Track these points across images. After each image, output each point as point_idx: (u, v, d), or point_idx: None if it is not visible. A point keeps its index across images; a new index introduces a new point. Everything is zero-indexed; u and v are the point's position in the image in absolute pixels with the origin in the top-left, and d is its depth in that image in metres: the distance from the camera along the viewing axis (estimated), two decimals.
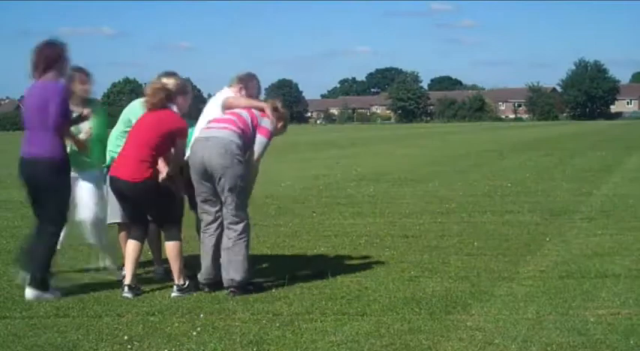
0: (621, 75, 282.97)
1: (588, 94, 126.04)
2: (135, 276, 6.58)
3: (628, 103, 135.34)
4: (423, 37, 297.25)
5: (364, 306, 5.98)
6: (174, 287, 6.54)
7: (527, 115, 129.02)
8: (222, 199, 6.49)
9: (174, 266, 6.55)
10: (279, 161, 24.07)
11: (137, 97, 7.54)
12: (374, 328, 5.38)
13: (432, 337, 5.16)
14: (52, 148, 6.46)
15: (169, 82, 6.91)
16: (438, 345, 5.01)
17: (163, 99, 6.62)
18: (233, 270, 6.43)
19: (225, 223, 6.54)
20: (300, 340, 5.14)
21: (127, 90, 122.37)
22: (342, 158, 25.54)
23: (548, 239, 8.84)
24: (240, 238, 6.48)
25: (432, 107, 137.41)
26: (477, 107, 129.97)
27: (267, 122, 6.70)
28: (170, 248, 6.58)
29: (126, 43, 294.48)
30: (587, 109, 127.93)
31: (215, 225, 6.59)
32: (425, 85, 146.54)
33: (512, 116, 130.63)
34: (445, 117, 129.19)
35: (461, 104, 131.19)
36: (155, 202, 6.54)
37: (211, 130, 6.55)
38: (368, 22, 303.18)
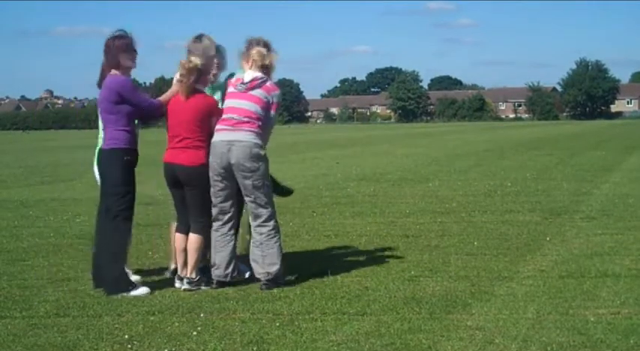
0: (621, 75, 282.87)
1: (588, 93, 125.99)
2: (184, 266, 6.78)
3: (628, 102, 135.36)
4: (422, 36, 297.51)
5: (364, 306, 5.98)
6: (185, 280, 6.67)
7: (527, 115, 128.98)
8: (250, 199, 6.67)
9: (192, 259, 6.70)
10: (279, 161, 24.09)
11: None
12: (374, 328, 5.38)
13: (432, 336, 5.16)
14: None
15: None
16: (438, 344, 5.01)
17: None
18: (268, 263, 6.64)
19: (254, 222, 6.73)
20: (301, 340, 5.15)
21: None
22: (342, 158, 25.54)
23: (548, 239, 8.84)
24: (271, 234, 6.71)
25: (432, 107, 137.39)
26: (477, 107, 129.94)
27: (278, 95, 6.81)
28: (194, 240, 6.73)
29: None
30: (588, 109, 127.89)
31: (231, 224, 6.79)
32: (425, 84, 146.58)
33: (512, 116, 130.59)
34: (445, 117, 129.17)
35: (461, 104, 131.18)
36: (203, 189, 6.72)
37: (233, 132, 6.62)
38: (367, 22, 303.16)
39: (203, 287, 6.68)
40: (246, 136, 6.62)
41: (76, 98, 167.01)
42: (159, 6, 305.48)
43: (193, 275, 6.68)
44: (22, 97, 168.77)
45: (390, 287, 6.58)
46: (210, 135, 6.73)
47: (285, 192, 7.71)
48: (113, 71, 6.66)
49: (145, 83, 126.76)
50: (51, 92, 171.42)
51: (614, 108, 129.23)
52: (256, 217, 6.72)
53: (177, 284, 6.76)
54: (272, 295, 6.36)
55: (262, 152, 6.67)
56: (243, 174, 6.60)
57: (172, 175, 6.76)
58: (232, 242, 6.79)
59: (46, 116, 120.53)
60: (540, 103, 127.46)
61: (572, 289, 6.38)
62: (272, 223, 6.72)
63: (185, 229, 6.83)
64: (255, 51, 6.83)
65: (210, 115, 6.73)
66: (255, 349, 5.01)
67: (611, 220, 10.21)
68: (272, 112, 6.78)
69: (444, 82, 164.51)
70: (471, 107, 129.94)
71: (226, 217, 6.76)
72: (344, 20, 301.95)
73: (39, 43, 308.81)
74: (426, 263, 7.58)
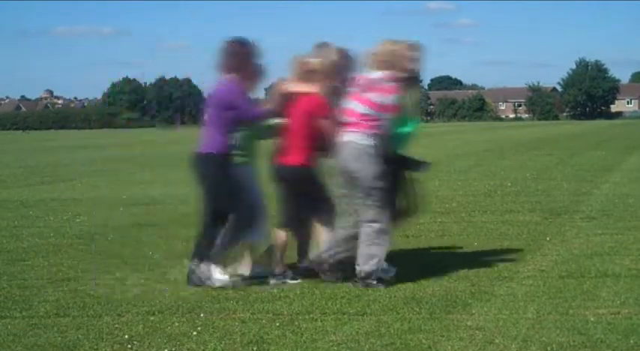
0: (621, 75, 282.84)
1: (588, 93, 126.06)
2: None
3: (628, 102, 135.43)
4: (422, 36, 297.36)
5: (364, 305, 5.99)
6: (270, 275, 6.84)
7: (527, 115, 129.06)
8: (356, 197, 6.66)
9: (278, 254, 6.89)
10: None
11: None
12: (374, 328, 5.38)
13: (432, 336, 5.16)
14: None
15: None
16: (438, 344, 5.01)
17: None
18: (362, 261, 6.63)
19: (362, 221, 6.69)
20: (301, 340, 5.15)
21: (128, 90, 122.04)
22: None
23: (548, 239, 8.84)
24: (373, 237, 6.64)
25: (432, 107, 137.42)
26: (477, 107, 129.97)
27: (393, 99, 6.65)
28: (281, 235, 6.92)
29: (124, 42, 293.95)
30: (588, 109, 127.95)
31: (353, 221, 6.73)
32: (425, 84, 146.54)
33: (512, 116, 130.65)
34: (445, 117, 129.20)
35: (461, 104, 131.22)
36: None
37: (346, 134, 6.64)
38: (367, 22, 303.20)
39: (289, 281, 6.77)
40: (353, 137, 6.60)
41: (76, 98, 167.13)
42: (159, 6, 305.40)
43: (280, 270, 6.82)
44: (22, 97, 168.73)
45: (390, 287, 6.58)
46: (320, 136, 6.73)
47: (422, 166, 7.46)
48: (228, 75, 6.69)
49: (145, 83, 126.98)
50: (51, 92, 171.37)
51: (614, 108, 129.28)
52: (360, 215, 6.67)
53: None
54: (272, 295, 6.36)
55: (371, 152, 6.57)
56: (349, 174, 6.61)
57: (278, 176, 6.90)
58: (351, 237, 6.72)
59: (46, 116, 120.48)
60: (540, 103, 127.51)
61: (572, 289, 6.38)
62: (377, 226, 6.62)
63: (287, 226, 6.99)
64: (381, 47, 6.81)
65: (316, 116, 6.72)
66: (255, 349, 5.01)
67: (611, 220, 10.21)
68: (385, 113, 6.62)
69: (444, 82, 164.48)
70: (470, 107, 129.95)
71: (346, 216, 6.75)
72: (344, 20, 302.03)
73: (39, 43, 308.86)
74: (426, 263, 7.57)
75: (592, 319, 5.51)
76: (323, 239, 6.93)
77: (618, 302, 5.97)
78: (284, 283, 6.76)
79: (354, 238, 6.73)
